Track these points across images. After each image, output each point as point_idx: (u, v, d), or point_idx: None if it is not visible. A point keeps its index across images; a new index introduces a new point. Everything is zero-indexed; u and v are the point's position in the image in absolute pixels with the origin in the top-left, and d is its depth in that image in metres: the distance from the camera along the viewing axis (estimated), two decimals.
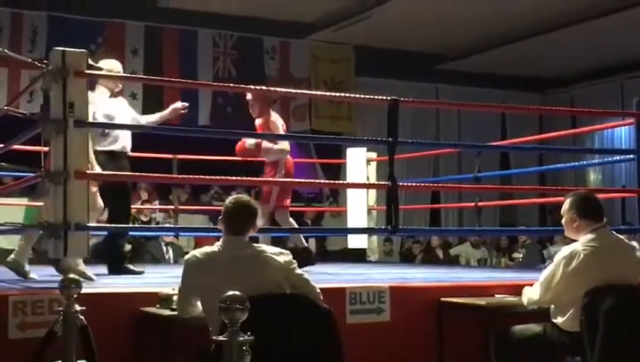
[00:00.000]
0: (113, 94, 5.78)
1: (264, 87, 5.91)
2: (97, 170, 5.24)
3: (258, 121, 6.23)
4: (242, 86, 5.94)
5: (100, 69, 5.40)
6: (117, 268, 5.66)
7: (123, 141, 5.75)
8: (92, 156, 5.19)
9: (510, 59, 12.93)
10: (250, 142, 6.12)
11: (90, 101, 5.39)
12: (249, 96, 6.20)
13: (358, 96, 8.72)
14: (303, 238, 6.43)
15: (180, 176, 5.48)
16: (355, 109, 12.77)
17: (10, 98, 9.32)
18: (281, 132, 6.27)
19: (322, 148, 11.86)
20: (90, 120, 5.32)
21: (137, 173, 5.75)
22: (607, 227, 3.98)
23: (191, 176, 5.36)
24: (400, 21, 11.25)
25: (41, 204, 6.16)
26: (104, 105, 5.60)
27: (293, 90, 6.05)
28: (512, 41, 12.13)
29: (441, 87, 13.70)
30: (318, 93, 7.42)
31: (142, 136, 6.22)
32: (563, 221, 4.03)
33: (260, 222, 6.10)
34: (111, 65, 5.68)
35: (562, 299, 3.82)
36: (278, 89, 6.24)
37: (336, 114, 12.61)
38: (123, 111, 5.82)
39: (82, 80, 4.30)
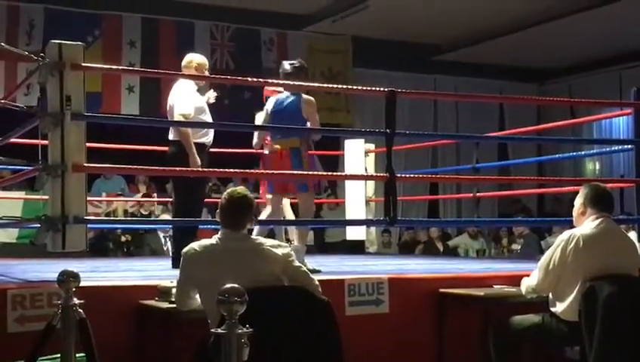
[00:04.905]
0: (199, 88, 5.84)
1: (261, 80, 5.88)
2: (199, 163, 5.38)
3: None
4: (240, 78, 5.96)
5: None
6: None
7: (211, 134, 5.80)
8: (194, 149, 5.39)
9: (508, 50, 12.90)
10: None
11: (187, 93, 5.54)
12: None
13: (355, 87, 8.73)
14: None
15: (177, 168, 5.45)
16: (353, 101, 12.75)
17: (6, 91, 9.29)
18: None
19: (320, 139, 11.81)
20: (192, 113, 5.47)
21: (135, 166, 5.73)
22: (611, 218, 3.98)
23: (188, 169, 5.36)
24: (397, 12, 11.23)
25: (39, 197, 6.14)
26: (197, 98, 5.69)
27: (290, 82, 5.99)
28: (510, 31, 12.09)
29: (438, 77, 13.66)
30: (316, 85, 7.39)
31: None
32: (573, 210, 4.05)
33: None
34: (200, 60, 5.79)
35: (560, 286, 3.82)
36: (275, 81, 6.20)
37: (334, 105, 12.58)
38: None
39: (79, 73, 4.28)
